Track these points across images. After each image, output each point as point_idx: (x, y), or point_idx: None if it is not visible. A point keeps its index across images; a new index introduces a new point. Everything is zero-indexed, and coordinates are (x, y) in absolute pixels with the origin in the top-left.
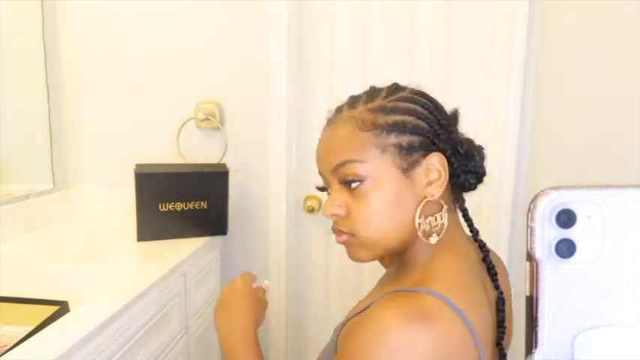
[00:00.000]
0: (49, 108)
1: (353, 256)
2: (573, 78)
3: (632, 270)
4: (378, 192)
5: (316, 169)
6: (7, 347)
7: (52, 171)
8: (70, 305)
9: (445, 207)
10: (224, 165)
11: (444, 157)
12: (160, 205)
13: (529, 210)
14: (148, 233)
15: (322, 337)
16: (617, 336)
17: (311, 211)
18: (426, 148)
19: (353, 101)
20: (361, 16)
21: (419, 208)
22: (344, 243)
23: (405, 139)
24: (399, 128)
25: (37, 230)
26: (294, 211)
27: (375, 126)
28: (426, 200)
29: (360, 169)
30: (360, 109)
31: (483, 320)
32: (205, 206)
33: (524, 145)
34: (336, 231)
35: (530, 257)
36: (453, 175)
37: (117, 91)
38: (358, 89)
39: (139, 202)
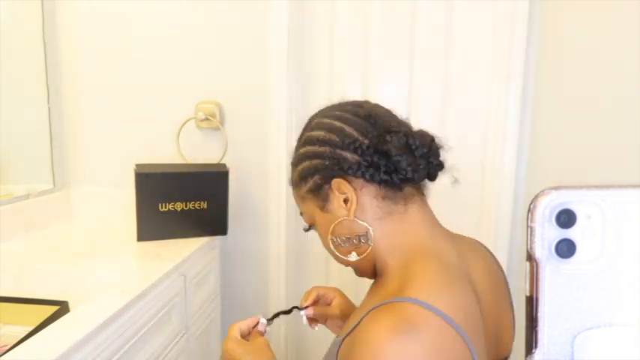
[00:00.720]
0: (49, 108)
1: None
2: (573, 78)
3: (632, 270)
4: (318, 229)
5: None
6: (7, 347)
7: (52, 171)
8: (70, 305)
9: (368, 220)
10: (224, 165)
11: (342, 180)
12: (159, 205)
13: (529, 210)
14: (148, 233)
15: (321, 337)
16: (617, 336)
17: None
18: (328, 178)
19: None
20: (361, 16)
21: (329, 232)
22: None
23: (309, 184)
24: (302, 177)
25: (37, 230)
26: (294, 211)
27: (293, 182)
28: (337, 221)
29: (305, 218)
30: (290, 169)
31: (471, 320)
32: (205, 206)
33: (525, 145)
34: None
35: (530, 257)
36: (380, 182)
37: (117, 91)
38: (358, 89)
39: (139, 202)
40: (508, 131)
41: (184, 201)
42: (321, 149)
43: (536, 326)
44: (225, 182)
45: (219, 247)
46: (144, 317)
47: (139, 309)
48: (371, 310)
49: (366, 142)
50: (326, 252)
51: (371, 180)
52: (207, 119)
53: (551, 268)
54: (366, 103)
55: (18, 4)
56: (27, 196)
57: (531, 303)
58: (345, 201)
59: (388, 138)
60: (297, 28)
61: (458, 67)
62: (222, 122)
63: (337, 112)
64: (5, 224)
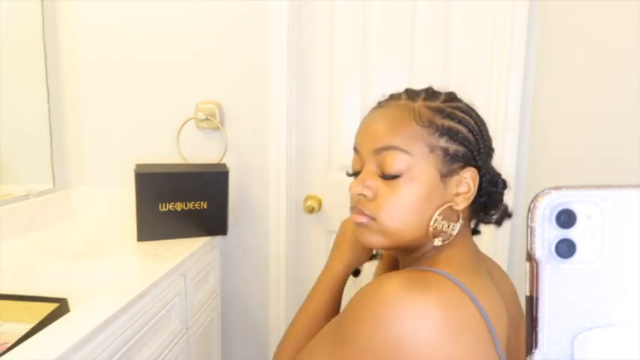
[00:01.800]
0: (49, 108)
1: (367, 239)
2: (574, 78)
3: (633, 270)
4: (412, 186)
5: (316, 169)
6: (8, 345)
7: (52, 171)
8: (70, 305)
9: (461, 220)
10: (224, 165)
11: (477, 174)
12: (160, 205)
13: (529, 210)
14: (148, 233)
15: None
16: (618, 336)
17: (311, 211)
18: (467, 162)
19: (412, 94)
20: (361, 16)
21: (440, 208)
22: (361, 224)
23: (452, 147)
24: (451, 134)
25: (37, 230)
26: (294, 211)
27: (431, 124)
28: (448, 205)
29: (401, 161)
30: (420, 103)
31: (496, 306)
32: (205, 206)
33: (525, 145)
34: (357, 210)
35: (530, 257)
36: (478, 195)
37: (117, 91)
38: (358, 89)
39: (139, 202)
40: (508, 131)
41: (184, 201)
42: (478, 136)
43: (536, 326)
44: (225, 182)
45: (219, 247)
46: (144, 317)
47: (139, 309)
48: None
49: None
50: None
51: (480, 193)
52: (207, 119)
53: (551, 268)
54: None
55: (18, 4)
56: (27, 196)
57: (531, 303)
58: (457, 193)
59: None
60: (297, 28)
61: (458, 68)
62: (222, 122)
63: (474, 113)
64: (5, 224)
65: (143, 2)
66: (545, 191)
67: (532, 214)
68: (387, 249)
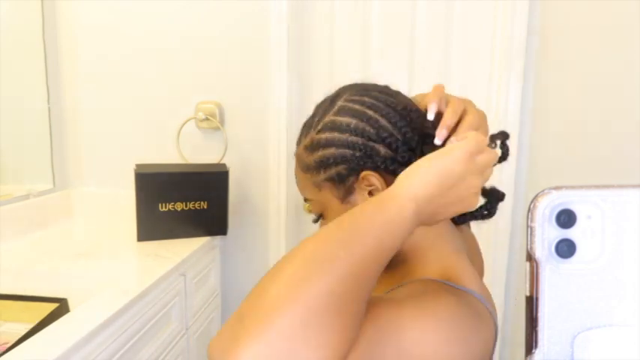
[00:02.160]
0: (49, 108)
1: None
2: (574, 78)
3: (632, 270)
4: (332, 217)
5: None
6: (8, 345)
7: (52, 171)
8: (70, 305)
9: None
10: (224, 165)
11: (376, 174)
12: (160, 205)
13: (529, 210)
14: (148, 233)
15: None
16: (617, 336)
17: (311, 211)
18: (356, 171)
19: (300, 135)
20: (361, 16)
21: None
22: None
23: (332, 172)
24: (323, 165)
25: (37, 230)
26: (294, 211)
27: (307, 167)
28: None
29: (313, 206)
30: (300, 147)
31: (485, 290)
32: (205, 206)
33: (525, 145)
34: None
35: (530, 257)
36: None
37: (117, 91)
38: None
39: (139, 202)
40: (508, 130)
41: (184, 201)
42: (352, 139)
43: (536, 326)
44: (225, 182)
45: (219, 246)
46: (144, 317)
47: (139, 309)
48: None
49: (400, 137)
50: None
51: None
52: (207, 119)
53: (551, 268)
54: (397, 93)
55: (18, 4)
56: (27, 196)
57: (531, 303)
58: (370, 194)
59: (427, 140)
60: (297, 28)
61: (458, 67)
62: (222, 122)
63: (367, 99)
64: (5, 224)
65: (143, 2)
66: (545, 191)
67: (532, 214)
68: None
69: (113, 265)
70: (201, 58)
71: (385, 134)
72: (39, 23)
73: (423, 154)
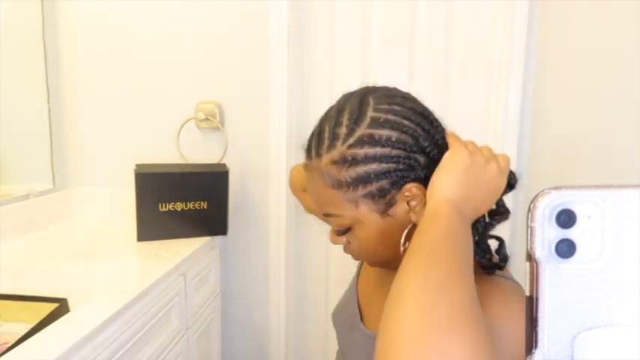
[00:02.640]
0: (49, 108)
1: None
2: (574, 77)
3: (633, 270)
4: (364, 233)
5: None
6: (8, 345)
7: (52, 171)
8: (70, 305)
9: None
10: (224, 165)
11: (418, 185)
12: (160, 205)
13: (529, 210)
14: (148, 233)
15: (322, 336)
16: (617, 336)
17: (311, 211)
18: (399, 184)
19: (317, 147)
20: (361, 16)
21: (404, 233)
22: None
23: (373, 187)
24: (363, 180)
25: (37, 230)
26: (294, 211)
27: (340, 184)
28: (411, 225)
29: (341, 221)
30: (325, 161)
31: None
32: (205, 206)
33: (525, 145)
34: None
35: (530, 257)
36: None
37: (117, 91)
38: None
39: (139, 202)
40: (508, 131)
41: (184, 201)
42: (396, 152)
43: (536, 326)
44: (225, 182)
45: (219, 247)
46: (144, 317)
47: (139, 309)
48: None
49: (434, 144)
50: (326, 252)
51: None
52: (207, 119)
53: (551, 268)
54: (408, 95)
55: (18, 4)
56: (27, 196)
57: (531, 303)
58: (408, 203)
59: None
60: (297, 28)
61: (458, 67)
62: (222, 122)
63: (398, 108)
64: (5, 224)
65: (143, 2)
66: (545, 191)
67: (532, 214)
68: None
69: (113, 265)
70: (201, 58)
71: (425, 144)
72: (39, 23)
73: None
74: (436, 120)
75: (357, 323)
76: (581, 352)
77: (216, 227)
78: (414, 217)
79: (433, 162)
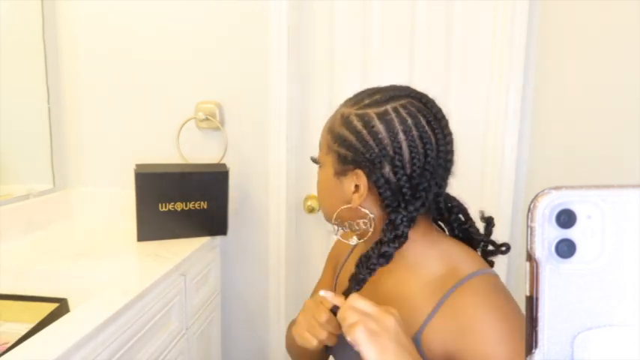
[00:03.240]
0: (49, 108)
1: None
2: (574, 78)
3: (633, 270)
4: (321, 175)
5: (316, 169)
6: (8, 345)
7: (52, 171)
8: (70, 305)
9: (371, 215)
10: (224, 165)
11: (367, 178)
12: (159, 205)
13: (529, 210)
14: (148, 233)
15: None
16: (617, 336)
17: (311, 211)
18: (357, 165)
19: (356, 98)
20: (361, 16)
21: (338, 210)
22: None
23: (341, 150)
24: (341, 141)
25: (37, 230)
26: (294, 211)
27: (332, 130)
28: (347, 206)
29: (319, 154)
30: (342, 110)
31: None
32: (205, 206)
33: (525, 145)
34: None
35: (530, 257)
36: (388, 208)
37: (117, 91)
38: (358, 89)
39: (139, 202)
40: (508, 131)
41: (184, 201)
42: (372, 145)
43: (536, 326)
44: (225, 182)
45: (219, 246)
46: (144, 317)
47: (139, 309)
48: (446, 297)
49: (408, 173)
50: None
51: (383, 202)
52: (207, 119)
53: (550, 268)
54: (445, 126)
55: (18, 4)
56: (27, 196)
57: (531, 303)
58: (354, 191)
59: (439, 195)
60: (297, 28)
61: (458, 67)
62: (222, 122)
63: (410, 122)
64: (5, 224)
65: (143, 2)
66: (545, 191)
67: (532, 214)
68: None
69: (113, 265)
70: (201, 58)
71: (399, 163)
72: (39, 23)
73: (406, 206)
74: (436, 171)
75: None
76: (581, 352)
77: (216, 227)
78: (355, 199)
79: (392, 184)
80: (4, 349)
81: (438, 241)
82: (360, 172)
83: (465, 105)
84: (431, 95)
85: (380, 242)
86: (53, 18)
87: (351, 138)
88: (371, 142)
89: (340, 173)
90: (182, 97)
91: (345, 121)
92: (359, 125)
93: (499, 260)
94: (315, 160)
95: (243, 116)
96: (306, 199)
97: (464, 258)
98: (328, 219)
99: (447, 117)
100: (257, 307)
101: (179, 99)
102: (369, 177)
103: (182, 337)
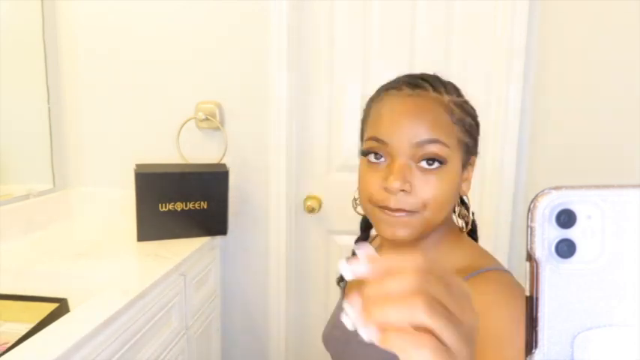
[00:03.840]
0: (49, 108)
1: (395, 233)
2: (574, 77)
3: (633, 270)
4: (449, 178)
5: (316, 169)
6: (8, 345)
7: (52, 171)
8: (70, 305)
9: (467, 202)
10: (224, 165)
11: (475, 161)
12: (160, 205)
13: (529, 210)
14: (148, 233)
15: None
16: (618, 336)
17: (311, 211)
18: (474, 151)
19: (435, 85)
20: (361, 16)
21: (465, 198)
22: (399, 221)
23: (469, 140)
24: (469, 129)
25: (37, 230)
26: (294, 211)
27: (459, 120)
28: (459, 198)
29: (445, 153)
30: (447, 98)
31: None
32: (205, 206)
33: (525, 145)
34: (396, 208)
35: (530, 257)
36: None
37: (117, 91)
38: (359, 90)
39: (139, 202)
40: (508, 131)
41: (184, 201)
42: (478, 122)
43: (536, 326)
44: (225, 182)
45: (219, 247)
46: (144, 317)
47: (139, 309)
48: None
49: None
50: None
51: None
52: (207, 119)
53: (550, 268)
54: None
55: (18, 4)
56: (27, 196)
57: (531, 303)
58: (465, 178)
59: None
60: (297, 28)
61: (458, 67)
62: (222, 122)
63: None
64: (5, 224)
65: (143, 2)
66: (545, 191)
67: (532, 214)
68: (410, 240)
69: (113, 265)
70: (201, 58)
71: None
72: (39, 23)
73: None
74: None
75: (353, 335)
76: (581, 352)
77: (216, 227)
78: (465, 187)
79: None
80: (4, 349)
81: (460, 239)
82: (474, 158)
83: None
84: None
85: (473, 229)
86: (53, 18)
87: (474, 124)
88: (477, 122)
89: (464, 165)
90: (182, 97)
91: (465, 110)
92: (473, 111)
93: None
94: (435, 160)
95: (243, 116)
96: (306, 199)
97: (480, 256)
98: (439, 222)
99: None
100: (257, 307)
101: (179, 99)
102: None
103: (182, 337)
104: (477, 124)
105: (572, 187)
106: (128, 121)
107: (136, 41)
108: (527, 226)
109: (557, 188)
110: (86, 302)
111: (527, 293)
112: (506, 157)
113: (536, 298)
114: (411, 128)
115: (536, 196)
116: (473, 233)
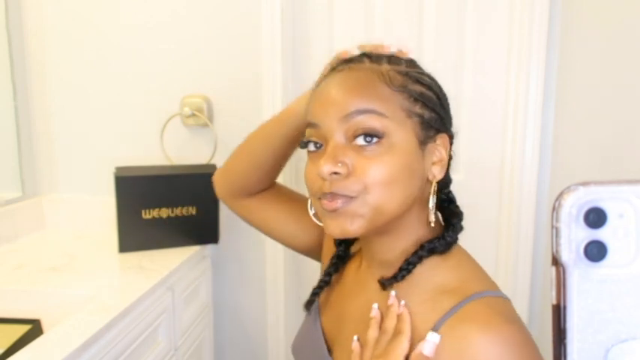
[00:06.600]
0: (15, 106)
1: (342, 227)
2: (598, 65)
3: None
4: (392, 154)
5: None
6: None
7: (20, 177)
8: (44, 325)
9: (434, 197)
10: (214, 166)
11: (448, 141)
12: (143, 211)
13: (554, 209)
14: (131, 243)
15: None
16: None
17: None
18: (438, 128)
19: (374, 58)
20: (362, 5)
21: (432, 187)
22: (335, 210)
23: (427, 113)
24: (425, 100)
25: (4, 243)
26: None
27: (404, 88)
28: (434, 181)
29: (381, 124)
30: (386, 67)
31: None
32: (194, 212)
33: (548, 138)
34: (329, 195)
35: (556, 261)
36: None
37: (93, 86)
38: None
39: (120, 210)
40: (529, 121)
41: (170, 206)
42: (445, 100)
43: (564, 338)
44: None
45: (210, 257)
46: (127, 338)
47: (122, 329)
48: (448, 316)
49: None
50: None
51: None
52: (194, 115)
53: (579, 273)
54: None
55: None
56: None
57: (559, 312)
58: (434, 164)
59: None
60: (292, 14)
61: (473, 56)
62: (210, 118)
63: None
64: None
65: None
66: (572, 188)
67: (557, 213)
68: (365, 236)
69: (92, 281)
70: (186, 47)
71: (450, 115)
72: (2, 11)
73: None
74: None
75: (324, 358)
76: None
77: (206, 235)
78: (433, 172)
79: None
80: None
81: (453, 251)
82: (444, 135)
83: (481, 95)
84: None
85: (452, 225)
86: (18, 5)
87: (431, 96)
88: (447, 100)
89: (425, 142)
90: (165, 91)
91: (412, 77)
92: (429, 82)
93: (522, 265)
94: (368, 134)
95: (234, 111)
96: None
97: (472, 274)
98: (399, 211)
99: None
100: (253, 323)
101: (162, 93)
102: (450, 140)
103: (171, 358)
104: (439, 97)
105: (602, 183)
106: (106, 119)
107: (113, 30)
108: (553, 227)
109: (584, 184)
110: (61, 323)
111: (554, 302)
112: (528, 152)
113: (565, 307)
114: (338, 102)
115: (562, 193)
116: (452, 228)
